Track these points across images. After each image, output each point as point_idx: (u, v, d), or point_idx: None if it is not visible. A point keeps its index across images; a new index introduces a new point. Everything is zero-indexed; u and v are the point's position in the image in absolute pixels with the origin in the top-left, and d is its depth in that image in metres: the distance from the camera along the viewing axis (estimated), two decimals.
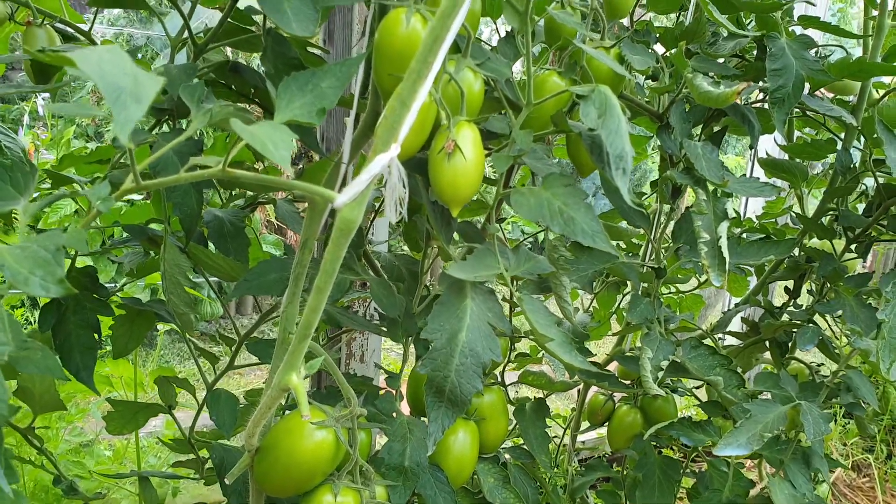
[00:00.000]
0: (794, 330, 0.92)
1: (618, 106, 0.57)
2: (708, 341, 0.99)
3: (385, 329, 0.80)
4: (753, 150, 0.96)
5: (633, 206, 0.64)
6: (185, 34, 0.71)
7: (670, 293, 1.30)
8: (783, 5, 0.78)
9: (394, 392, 0.74)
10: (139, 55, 3.24)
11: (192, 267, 0.70)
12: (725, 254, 0.70)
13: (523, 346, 1.32)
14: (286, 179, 0.49)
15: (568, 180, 0.60)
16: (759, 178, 0.77)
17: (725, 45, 0.91)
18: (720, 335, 1.06)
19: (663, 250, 0.91)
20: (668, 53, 0.97)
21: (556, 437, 1.37)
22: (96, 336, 0.75)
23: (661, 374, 0.80)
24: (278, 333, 0.71)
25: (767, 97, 0.78)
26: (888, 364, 0.70)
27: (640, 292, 0.88)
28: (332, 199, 0.48)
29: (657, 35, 0.89)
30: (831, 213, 0.93)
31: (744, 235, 1.08)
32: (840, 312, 0.83)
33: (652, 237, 0.92)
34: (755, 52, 0.95)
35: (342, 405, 0.60)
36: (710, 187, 0.75)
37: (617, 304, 1.32)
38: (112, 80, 0.31)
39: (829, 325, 0.94)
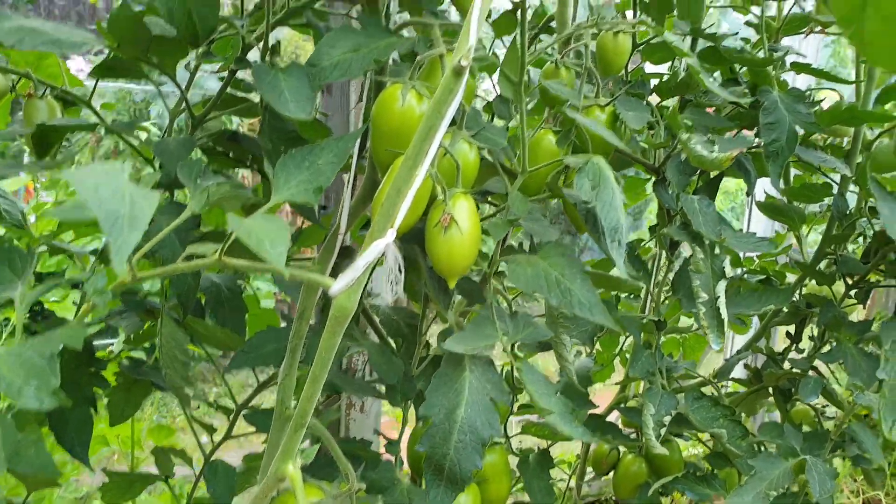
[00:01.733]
0: (797, 377, 0.92)
1: (612, 177, 0.57)
2: (710, 388, 0.99)
3: (384, 392, 0.79)
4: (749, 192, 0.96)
5: (630, 277, 0.63)
6: (184, 104, 0.72)
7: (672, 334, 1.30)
8: (775, 61, 0.79)
9: (393, 459, 0.73)
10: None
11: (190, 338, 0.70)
12: (724, 315, 0.70)
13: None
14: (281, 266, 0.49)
15: (564, 249, 0.60)
16: (755, 234, 0.77)
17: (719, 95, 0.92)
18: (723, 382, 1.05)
19: (664, 299, 0.91)
20: (663, 103, 0.98)
21: (561, 480, 1.35)
22: (92, 410, 0.75)
23: (663, 431, 0.80)
24: (276, 406, 0.70)
25: (762, 148, 0.79)
26: (890, 424, 0.69)
27: (640, 344, 0.88)
28: (328, 286, 0.48)
29: (651, 87, 0.90)
30: (829, 257, 0.93)
31: (744, 277, 1.07)
32: (842, 361, 0.83)
33: (651, 287, 0.92)
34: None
35: (340, 481, 0.59)
36: (707, 242, 0.75)
37: (620, 346, 1.31)
38: (109, 206, 0.31)
39: (832, 371, 0.94)
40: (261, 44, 0.67)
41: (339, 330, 0.49)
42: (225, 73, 0.73)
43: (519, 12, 0.59)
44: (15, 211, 0.92)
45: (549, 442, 1.06)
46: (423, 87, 0.59)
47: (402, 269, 0.51)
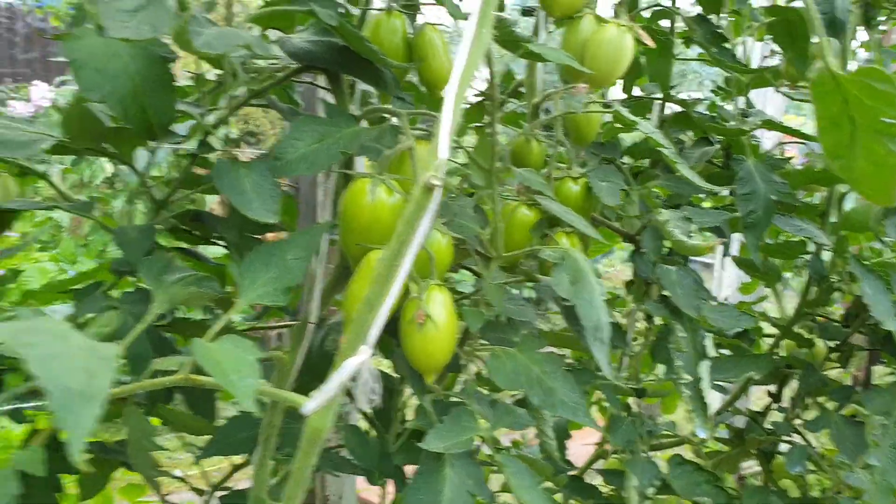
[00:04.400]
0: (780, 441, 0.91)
1: (590, 272, 0.56)
2: (690, 451, 0.98)
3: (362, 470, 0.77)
4: (724, 251, 0.96)
5: (615, 381, 0.62)
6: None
7: (650, 379, 1.29)
8: (747, 132, 0.78)
9: None
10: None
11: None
12: (707, 399, 0.69)
13: None
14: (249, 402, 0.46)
15: (543, 343, 0.58)
16: (734, 308, 0.77)
17: (691, 155, 0.92)
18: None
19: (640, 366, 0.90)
20: (634, 164, 0.98)
21: None
22: (56, 496, 0.72)
23: (647, 503, 0.78)
24: (250, 495, 0.68)
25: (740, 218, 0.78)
26: None
27: (619, 413, 0.86)
28: (300, 405, 0.46)
29: (622, 151, 0.89)
30: (808, 318, 0.93)
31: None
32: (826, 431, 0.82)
33: (628, 352, 0.91)
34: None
35: None
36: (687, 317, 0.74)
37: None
38: (61, 380, 0.29)
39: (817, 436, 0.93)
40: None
41: (313, 451, 0.46)
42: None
43: (489, 103, 0.58)
44: None
45: None
46: (393, 182, 0.57)
47: (380, 383, 0.49)
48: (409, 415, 0.81)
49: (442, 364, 0.58)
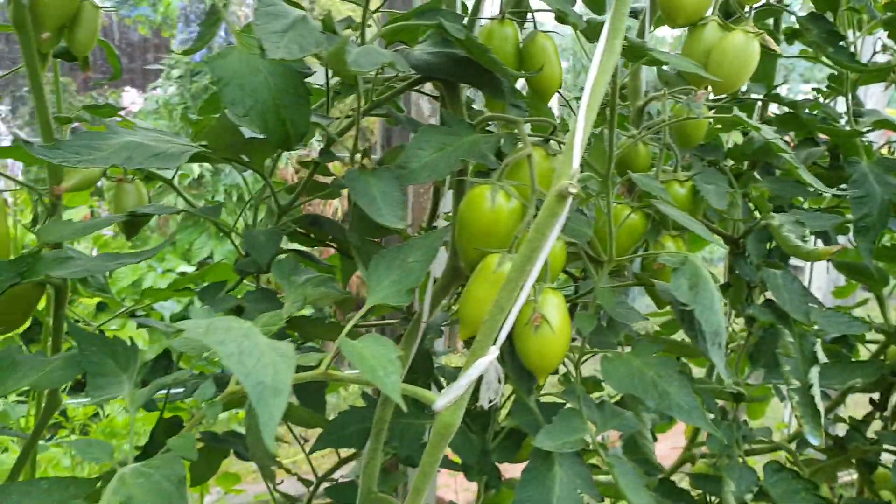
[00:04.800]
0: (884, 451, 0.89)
1: (710, 278, 0.56)
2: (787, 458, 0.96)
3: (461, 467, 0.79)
4: None
5: (731, 385, 0.62)
6: (267, 192, 0.73)
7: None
8: (862, 133, 0.77)
9: None
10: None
11: None
12: (819, 405, 0.68)
13: None
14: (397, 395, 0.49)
15: (658, 347, 0.59)
16: (843, 313, 0.75)
17: (798, 156, 0.90)
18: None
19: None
20: (735, 166, 0.96)
21: None
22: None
23: None
24: (360, 488, 0.71)
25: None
26: None
27: (717, 417, 0.86)
28: (432, 402, 0.48)
29: (725, 152, 0.89)
30: None
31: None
32: None
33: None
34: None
35: None
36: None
37: None
38: (255, 376, 0.32)
39: None
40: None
41: (442, 445, 0.49)
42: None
43: (608, 110, 0.59)
44: (99, 275, 0.95)
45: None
46: (512, 188, 0.59)
47: (503, 381, 0.51)
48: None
49: (555, 365, 0.59)
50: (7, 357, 0.58)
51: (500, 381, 0.51)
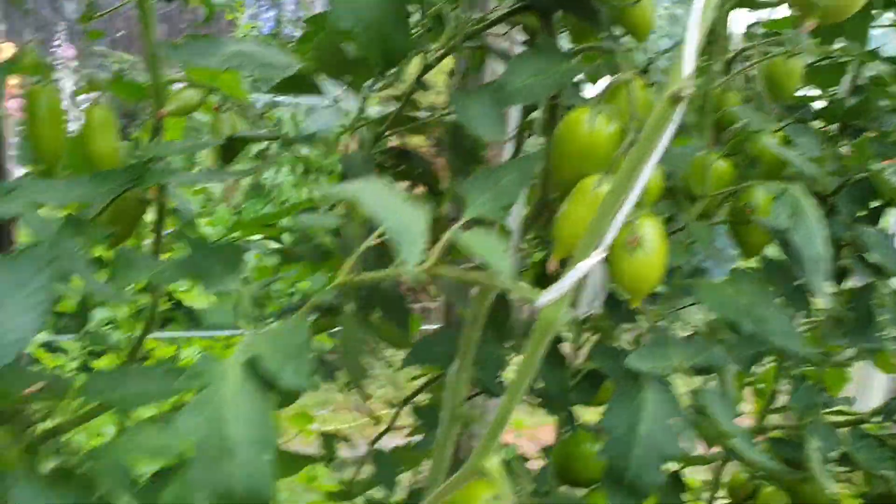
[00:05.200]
0: None
1: (811, 206, 0.56)
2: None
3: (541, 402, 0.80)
4: None
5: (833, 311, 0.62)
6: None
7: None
8: None
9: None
10: None
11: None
12: None
13: None
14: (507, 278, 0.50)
15: (752, 277, 0.59)
16: None
17: (892, 120, 0.88)
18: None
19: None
20: (825, 129, 0.95)
21: None
22: None
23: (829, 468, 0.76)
24: (444, 404, 0.73)
25: None
26: None
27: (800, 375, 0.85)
28: (535, 298, 0.49)
29: (813, 113, 0.87)
30: None
31: None
32: None
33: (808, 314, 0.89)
34: None
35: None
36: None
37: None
38: (398, 221, 0.35)
39: None
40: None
41: (543, 341, 0.50)
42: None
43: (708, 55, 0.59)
44: (187, 210, 0.99)
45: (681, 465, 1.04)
46: (612, 111, 0.60)
47: (605, 291, 0.52)
48: None
49: (651, 288, 0.59)
50: (125, 256, 0.62)
51: (602, 289, 0.52)
